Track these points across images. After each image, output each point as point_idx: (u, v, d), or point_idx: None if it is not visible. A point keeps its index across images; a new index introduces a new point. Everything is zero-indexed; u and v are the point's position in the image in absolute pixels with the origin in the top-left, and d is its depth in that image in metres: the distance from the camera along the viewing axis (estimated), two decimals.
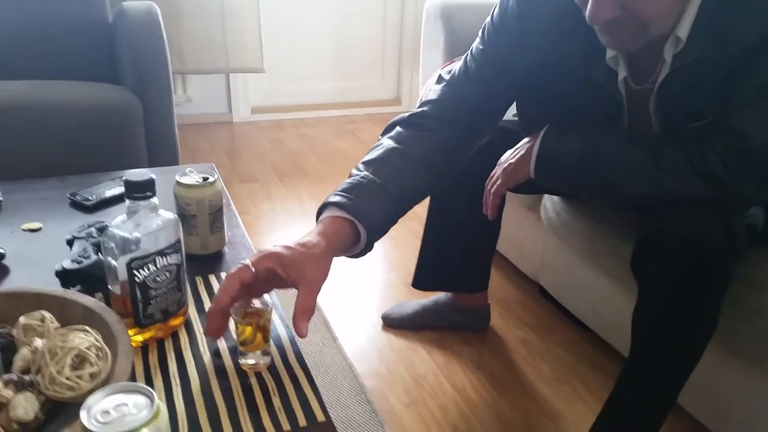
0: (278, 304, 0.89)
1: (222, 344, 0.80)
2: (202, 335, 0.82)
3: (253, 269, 0.76)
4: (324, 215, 0.89)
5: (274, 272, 0.78)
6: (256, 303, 0.79)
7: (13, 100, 1.65)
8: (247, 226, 2.08)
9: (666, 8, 0.84)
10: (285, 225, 2.14)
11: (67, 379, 0.62)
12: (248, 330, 0.75)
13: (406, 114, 1.07)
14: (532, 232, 1.68)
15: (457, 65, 1.12)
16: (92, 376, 0.63)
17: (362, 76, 3.47)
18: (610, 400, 1.10)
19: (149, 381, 0.73)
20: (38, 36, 1.96)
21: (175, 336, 0.81)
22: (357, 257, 0.93)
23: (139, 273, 0.75)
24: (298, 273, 0.78)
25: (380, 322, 1.63)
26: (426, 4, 2.04)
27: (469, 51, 1.11)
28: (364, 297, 1.74)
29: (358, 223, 0.88)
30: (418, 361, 1.49)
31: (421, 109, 1.07)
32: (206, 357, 0.78)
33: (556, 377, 1.45)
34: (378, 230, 0.91)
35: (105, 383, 0.63)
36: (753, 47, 0.84)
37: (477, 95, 1.07)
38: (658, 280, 0.95)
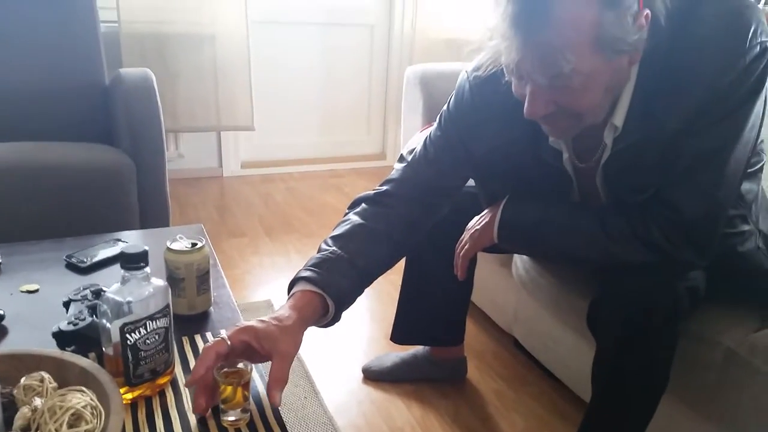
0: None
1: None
2: (187, 394, 0.89)
3: (229, 342, 0.85)
4: (295, 289, 1.00)
5: (249, 345, 0.86)
6: (240, 363, 0.86)
7: (11, 161, 1.73)
8: (235, 281, 2.16)
9: (595, 102, 0.93)
10: (273, 279, 2.22)
11: None
12: (229, 389, 0.82)
13: (371, 192, 1.19)
14: (505, 287, 1.76)
15: (418, 146, 1.23)
16: None
17: (348, 131, 3.60)
18: None
19: None
20: (37, 98, 2.06)
21: (162, 394, 0.88)
22: (326, 327, 1.03)
23: (131, 336, 0.83)
24: (271, 345, 0.87)
25: (360, 374, 1.69)
26: (406, 72, 2.17)
27: (428, 134, 1.22)
28: (345, 349, 1.80)
29: (326, 295, 0.98)
30: (396, 414, 1.55)
31: (383, 188, 1.19)
32: (190, 414, 0.85)
33: (528, 428, 1.51)
34: (345, 301, 1.03)
35: None
36: (679, 130, 0.94)
37: (435, 176, 1.18)
38: (609, 338, 1.05)
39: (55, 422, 0.70)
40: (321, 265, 1.03)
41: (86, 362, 0.82)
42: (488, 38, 0.92)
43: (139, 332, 0.84)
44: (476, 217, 1.23)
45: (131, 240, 1.40)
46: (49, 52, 2.10)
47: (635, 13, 0.86)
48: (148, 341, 0.85)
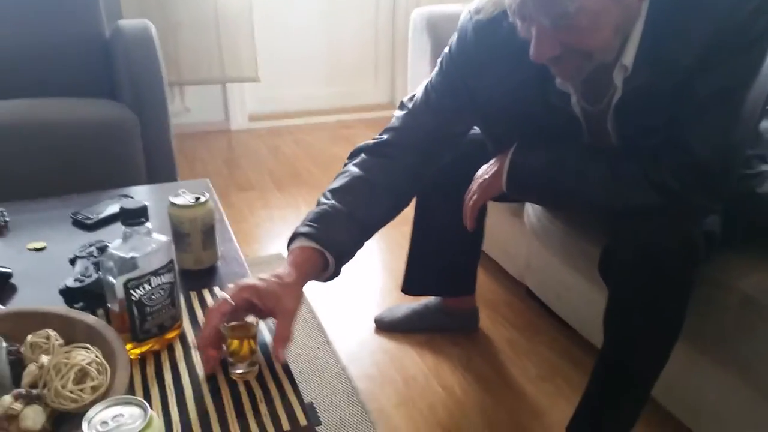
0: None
1: None
2: (196, 348, 0.88)
3: (232, 302, 0.84)
4: (293, 245, 0.98)
5: (252, 303, 0.85)
6: (247, 317, 0.85)
7: (12, 118, 1.71)
8: (244, 235, 2.16)
9: (605, 40, 0.89)
10: (283, 232, 2.21)
11: (71, 392, 0.69)
12: (236, 343, 0.81)
13: (371, 141, 1.15)
14: (517, 236, 1.74)
15: (418, 92, 1.19)
16: (93, 389, 0.70)
17: (356, 81, 3.54)
18: (585, 395, 1.17)
19: (146, 391, 0.80)
20: (36, 54, 2.02)
21: (170, 348, 0.88)
22: (327, 281, 1.02)
23: (135, 292, 0.82)
24: (274, 303, 0.86)
25: (373, 325, 1.69)
26: (412, 15, 2.10)
27: (428, 80, 1.18)
28: (357, 301, 1.80)
29: (325, 251, 0.97)
30: (409, 363, 1.55)
31: (383, 137, 1.15)
32: (199, 368, 0.84)
33: (540, 375, 1.51)
34: (345, 256, 1.01)
35: (105, 396, 0.70)
36: (689, 68, 0.90)
37: (437, 123, 1.14)
38: (622, 285, 1.02)
39: (61, 379, 0.69)
40: (319, 219, 1.01)
41: (92, 319, 0.82)
42: None
43: (144, 288, 0.83)
44: (484, 166, 1.19)
45: (137, 195, 1.38)
46: (45, 5, 2.05)
47: None
48: (153, 297, 0.84)
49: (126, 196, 1.35)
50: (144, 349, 0.86)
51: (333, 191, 1.07)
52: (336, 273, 1.01)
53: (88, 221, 1.23)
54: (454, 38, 1.14)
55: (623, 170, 0.98)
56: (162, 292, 0.85)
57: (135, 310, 0.83)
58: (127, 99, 1.88)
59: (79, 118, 1.78)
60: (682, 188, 0.94)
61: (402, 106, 1.20)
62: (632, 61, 0.93)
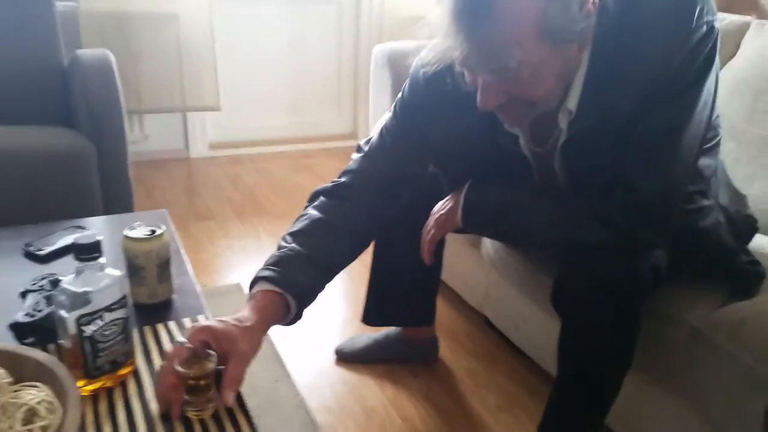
0: None
1: None
2: (150, 383, 0.87)
3: (189, 345, 0.83)
4: (255, 289, 0.99)
5: (208, 344, 0.85)
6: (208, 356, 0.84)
7: None
8: (203, 265, 2.13)
9: (547, 90, 0.93)
10: (242, 263, 2.19)
11: None
12: (192, 381, 0.80)
13: (329, 184, 1.17)
14: (476, 267, 1.76)
15: (374, 136, 1.22)
16: (43, 429, 0.68)
17: (318, 111, 3.56)
18: (542, 423, 1.18)
19: (99, 429, 0.78)
20: None
21: (123, 385, 0.86)
22: (289, 325, 1.03)
23: (88, 328, 0.81)
24: (229, 345, 0.86)
25: (333, 356, 1.69)
26: (374, 51, 2.14)
27: (383, 123, 1.21)
28: (318, 331, 1.80)
29: (286, 294, 0.98)
30: (369, 394, 1.55)
31: (341, 180, 1.17)
32: (153, 405, 0.83)
33: (498, 406, 1.53)
34: (306, 299, 1.02)
35: None
36: (629, 113, 0.95)
37: (392, 165, 1.17)
38: (573, 316, 1.06)
39: (8, 419, 0.68)
40: (280, 263, 1.02)
41: (42, 356, 0.79)
42: (430, 36, 0.90)
43: (96, 324, 0.82)
44: (441, 202, 1.22)
45: (93, 226, 1.36)
46: (2, 34, 2.02)
47: (581, 0, 0.85)
48: (105, 332, 0.83)
49: (80, 227, 1.33)
50: (97, 386, 0.84)
51: (293, 234, 1.08)
52: (298, 316, 1.02)
53: (41, 252, 1.20)
54: (406, 84, 1.18)
55: (572, 207, 1.01)
56: (115, 327, 0.84)
57: (87, 346, 0.82)
58: (84, 128, 1.86)
59: (34, 147, 1.75)
60: (628, 224, 0.97)
61: (359, 149, 1.22)
62: (576, 105, 0.97)
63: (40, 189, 1.72)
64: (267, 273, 1.00)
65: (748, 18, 1.70)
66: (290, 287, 0.99)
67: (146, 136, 3.09)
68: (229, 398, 0.82)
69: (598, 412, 1.12)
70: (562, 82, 0.95)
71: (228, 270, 2.14)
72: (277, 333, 1.74)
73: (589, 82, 0.95)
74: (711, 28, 0.91)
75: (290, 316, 1.01)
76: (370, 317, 1.63)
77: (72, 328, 0.81)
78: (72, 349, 0.82)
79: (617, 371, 1.08)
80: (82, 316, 0.80)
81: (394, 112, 1.19)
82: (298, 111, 3.50)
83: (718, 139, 1.12)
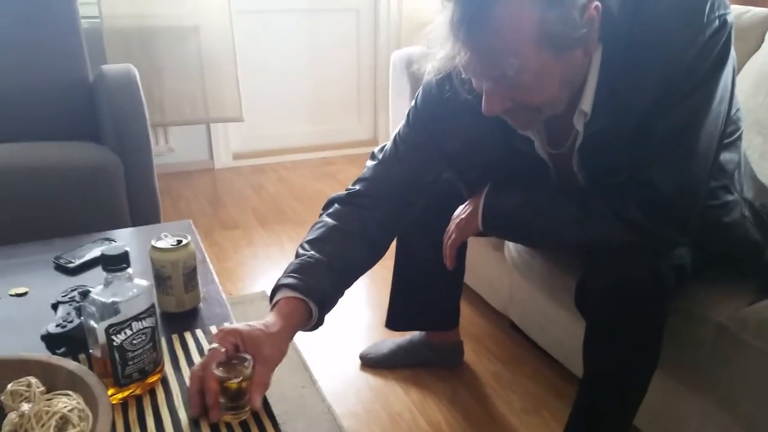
0: None
1: None
2: (178, 391, 0.89)
3: (222, 349, 0.85)
4: (278, 297, 1.00)
5: (237, 347, 0.87)
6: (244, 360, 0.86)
7: None
8: (229, 273, 2.16)
9: (551, 96, 0.93)
10: (267, 270, 2.22)
11: None
12: (231, 385, 0.82)
13: (343, 193, 1.18)
14: (500, 270, 1.76)
15: (388, 143, 1.23)
16: None
17: (339, 118, 3.58)
18: (568, 426, 1.18)
19: None
20: (19, 98, 2.04)
21: (152, 393, 0.88)
22: (311, 330, 1.04)
23: (117, 337, 0.83)
24: (256, 349, 0.88)
25: (358, 362, 1.69)
26: (392, 56, 2.15)
27: (397, 131, 1.22)
28: (342, 338, 1.81)
29: (309, 301, 0.99)
30: (395, 399, 1.55)
31: (356, 188, 1.18)
32: (181, 412, 0.85)
33: (525, 409, 1.52)
34: (328, 304, 1.04)
35: None
36: (647, 110, 0.94)
37: (407, 174, 1.18)
38: (596, 318, 1.05)
39: (41, 427, 0.69)
40: (301, 270, 1.03)
41: (74, 365, 0.82)
42: (433, 45, 0.92)
43: (125, 333, 0.83)
44: (461, 207, 1.22)
45: (120, 238, 1.39)
46: (29, 51, 2.08)
47: (582, 7, 0.86)
48: (134, 341, 0.85)
49: (108, 239, 1.36)
50: (126, 394, 0.86)
51: (310, 242, 1.10)
52: (320, 322, 1.04)
53: (71, 265, 1.23)
54: (419, 92, 1.19)
55: (592, 208, 1.01)
56: (143, 336, 0.86)
57: (116, 355, 0.84)
58: (110, 142, 1.90)
59: (62, 162, 1.79)
60: (649, 223, 0.97)
61: (373, 156, 1.23)
62: (591, 106, 0.97)
63: (68, 203, 1.76)
64: (289, 280, 1.01)
65: None
66: (312, 294, 1.00)
67: (171, 149, 3.14)
68: (257, 402, 0.84)
69: (625, 414, 1.11)
70: (568, 88, 0.95)
71: (253, 278, 2.17)
72: (302, 340, 1.76)
73: (603, 82, 0.95)
74: (724, 22, 0.90)
75: (312, 322, 1.02)
76: (393, 322, 1.63)
77: (101, 338, 0.83)
78: (102, 358, 0.84)
79: (643, 372, 1.07)
80: (111, 325, 0.82)
81: (407, 121, 1.20)
82: (319, 119, 3.53)
83: (739, 133, 1.11)
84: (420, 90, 1.18)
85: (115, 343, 0.83)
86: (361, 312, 1.95)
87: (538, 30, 0.85)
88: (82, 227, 1.47)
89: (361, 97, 3.60)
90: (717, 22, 0.90)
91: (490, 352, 1.74)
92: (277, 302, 1.00)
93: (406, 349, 1.68)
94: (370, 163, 1.22)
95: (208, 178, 3.15)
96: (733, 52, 0.95)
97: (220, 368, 0.83)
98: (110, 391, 0.85)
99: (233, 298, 1.97)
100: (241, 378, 0.83)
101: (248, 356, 0.85)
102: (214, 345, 0.86)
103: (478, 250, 1.77)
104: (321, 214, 1.17)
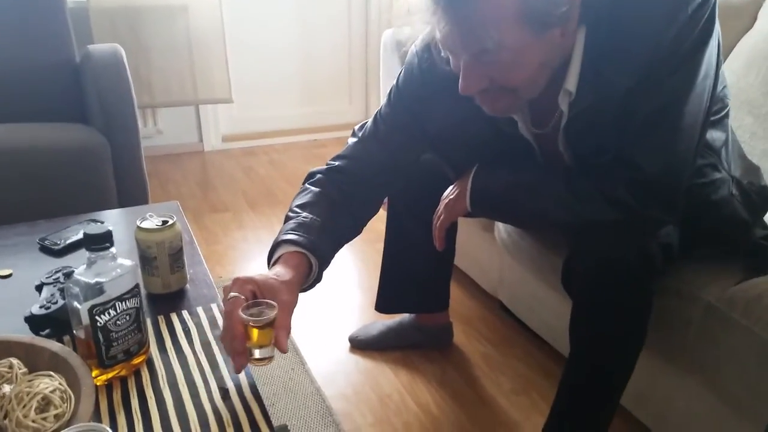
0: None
1: (181, 379, 0.86)
2: (164, 372, 0.88)
3: (242, 296, 0.87)
4: (280, 252, 1.01)
5: (255, 295, 0.89)
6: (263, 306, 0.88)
7: None
8: (218, 257, 2.15)
9: (529, 78, 0.93)
10: (257, 253, 2.20)
11: (33, 421, 0.68)
12: (256, 331, 0.85)
13: (323, 167, 1.19)
14: (490, 251, 1.76)
15: (369, 122, 1.22)
16: (57, 417, 0.70)
17: (330, 100, 3.55)
18: (555, 404, 1.18)
19: (113, 417, 0.80)
20: (6, 79, 2.01)
21: (137, 374, 0.88)
22: (309, 289, 1.04)
23: (101, 318, 0.82)
24: (273, 296, 0.90)
25: (348, 344, 1.69)
26: (383, 36, 2.13)
27: (378, 110, 1.21)
28: (332, 320, 1.80)
29: (311, 255, 1.00)
30: (384, 381, 1.55)
31: (336, 164, 1.19)
32: (166, 392, 0.84)
33: (514, 389, 1.52)
34: (325, 262, 1.05)
35: (69, 424, 0.69)
36: (631, 89, 0.94)
37: (387, 156, 1.18)
38: (583, 297, 1.05)
39: (23, 408, 0.69)
40: (299, 228, 1.04)
41: (57, 346, 0.81)
42: (415, 15, 0.91)
43: (109, 314, 0.83)
44: (450, 188, 1.22)
45: (107, 219, 1.38)
46: (14, 32, 2.04)
47: None
48: (118, 322, 0.84)
49: (95, 220, 1.34)
50: (110, 375, 0.85)
51: (301, 206, 1.10)
52: (318, 279, 1.05)
53: (56, 247, 1.22)
54: (401, 72, 1.18)
55: (579, 187, 1.01)
56: (128, 317, 0.85)
57: (100, 336, 0.83)
58: (97, 123, 1.88)
59: (48, 143, 1.77)
60: (636, 202, 0.96)
61: (354, 133, 1.23)
62: (575, 86, 0.96)
63: (55, 184, 1.74)
64: (290, 236, 1.02)
65: None
66: (314, 250, 1.01)
67: (160, 131, 3.11)
68: (285, 344, 0.86)
69: (611, 393, 1.11)
70: (547, 70, 0.95)
71: (243, 261, 2.16)
72: (293, 323, 1.75)
73: (587, 62, 0.95)
74: None
75: (312, 278, 1.03)
76: (383, 305, 1.63)
77: (85, 319, 0.82)
78: (85, 339, 0.83)
79: (629, 351, 1.07)
80: (95, 306, 0.81)
81: (389, 100, 1.20)
82: (310, 101, 3.50)
83: (726, 110, 1.11)
84: (402, 70, 1.17)
85: (98, 324, 0.82)
86: (351, 294, 1.95)
87: (520, 6, 0.85)
88: (69, 209, 1.45)
89: (353, 78, 3.57)
90: None
91: (480, 333, 1.75)
92: (280, 257, 1.00)
93: (395, 331, 1.68)
94: (351, 140, 1.22)
95: (197, 160, 3.13)
96: (717, 28, 0.95)
97: (249, 317, 0.85)
98: (94, 373, 0.84)
99: (223, 281, 1.96)
100: (270, 318, 0.85)
101: (271, 301, 0.87)
102: (234, 294, 0.87)
103: (468, 231, 1.77)
104: (304, 184, 1.17)
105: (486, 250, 1.78)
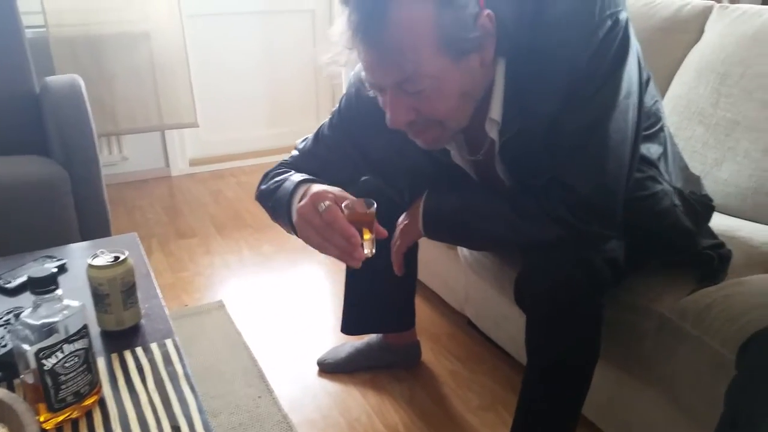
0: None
1: (133, 418, 0.86)
2: (116, 412, 0.87)
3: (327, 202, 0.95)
4: (302, 188, 1.08)
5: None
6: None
7: None
8: (185, 284, 2.13)
9: (453, 108, 0.96)
10: (224, 279, 2.19)
11: None
12: (364, 228, 0.95)
13: (274, 168, 1.23)
14: (455, 269, 1.77)
15: (309, 138, 1.26)
16: None
17: (297, 121, 3.55)
18: (516, 418, 1.19)
19: None
20: None
21: (89, 415, 0.86)
22: None
23: (47, 361, 0.81)
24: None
25: (316, 368, 1.69)
26: None
27: (319, 130, 1.24)
28: (300, 344, 1.80)
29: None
30: (353, 404, 1.55)
31: (281, 170, 1.22)
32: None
33: (482, 405, 1.53)
34: None
35: None
36: (555, 113, 0.97)
37: (324, 172, 1.19)
38: (535, 313, 1.07)
39: None
40: (306, 176, 1.12)
41: (2, 392, 0.80)
42: (338, 48, 0.94)
43: (56, 356, 0.82)
44: (405, 213, 1.23)
45: (65, 255, 1.36)
46: None
47: (475, 14, 0.89)
48: (66, 364, 0.83)
49: (51, 257, 1.32)
50: (61, 418, 0.84)
51: (284, 172, 1.18)
52: None
53: (9, 285, 1.20)
54: (343, 98, 1.21)
55: (522, 207, 1.03)
56: (76, 358, 0.84)
57: (48, 380, 0.82)
58: (57, 155, 1.86)
59: (5, 177, 1.74)
60: (576, 220, 0.99)
61: (296, 148, 1.26)
62: (500, 114, 0.99)
63: (13, 219, 1.72)
64: (303, 177, 1.10)
65: (710, 2, 1.71)
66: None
67: (125, 157, 3.08)
68: (385, 232, 1.00)
69: (569, 405, 1.12)
70: (470, 101, 0.98)
71: (210, 288, 2.14)
72: (260, 348, 1.75)
73: (509, 91, 0.98)
74: (616, 21, 0.93)
75: None
76: (348, 327, 1.63)
77: (32, 363, 0.81)
78: (34, 383, 0.82)
79: (584, 364, 1.09)
80: (41, 350, 0.80)
81: (331, 122, 1.22)
82: (277, 122, 3.50)
83: (660, 124, 1.14)
84: (344, 96, 1.19)
85: (45, 368, 0.81)
86: (317, 317, 1.94)
87: (434, 31, 0.87)
88: (29, 244, 1.43)
89: (319, 98, 3.58)
90: (609, 21, 0.93)
91: (448, 350, 1.75)
92: (307, 189, 1.05)
93: (363, 352, 1.68)
94: (293, 152, 1.26)
95: (164, 185, 3.11)
96: (636, 46, 0.99)
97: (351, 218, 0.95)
98: (44, 416, 0.83)
99: (190, 309, 1.95)
100: (374, 211, 0.96)
101: (361, 199, 0.96)
102: (326, 203, 0.94)
103: (432, 249, 1.78)
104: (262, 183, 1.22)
105: (451, 268, 1.79)
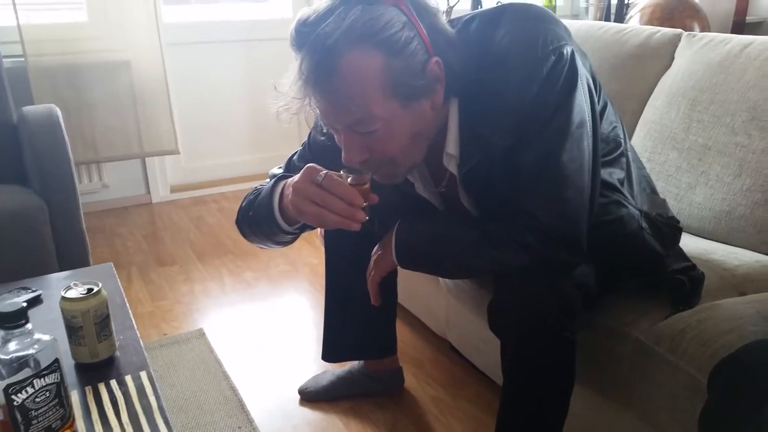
0: None
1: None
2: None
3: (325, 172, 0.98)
4: (281, 183, 1.11)
5: None
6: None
7: None
8: (164, 313, 2.11)
9: (404, 147, 1.00)
10: (204, 307, 2.17)
11: None
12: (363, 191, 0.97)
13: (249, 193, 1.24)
14: (436, 294, 1.77)
15: (282, 166, 1.27)
16: None
17: (279, 146, 3.55)
18: None
19: None
20: None
21: None
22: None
23: (17, 396, 0.80)
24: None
25: (297, 397, 1.67)
26: None
27: (291, 157, 1.27)
28: (281, 372, 1.78)
29: None
30: None
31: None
32: None
33: None
34: None
35: None
36: (509, 147, 0.99)
37: None
38: (507, 338, 1.08)
39: None
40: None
41: None
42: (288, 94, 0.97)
43: (26, 391, 0.81)
44: (378, 244, 1.24)
45: (41, 286, 1.34)
46: None
47: (423, 61, 0.93)
48: (37, 399, 0.82)
49: (26, 288, 1.31)
50: None
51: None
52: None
53: None
54: (311, 130, 1.23)
55: (493, 234, 1.04)
56: (47, 393, 0.83)
57: (18, 416, 0.81)
58: (35, 185, 1.85)
59: None
60: (543, 247, 1.00)
61: (270, 176, 1.26)
62: (457, 149, 1.02)
63: None
64: (282, 174, 1.14)
65: (678, 31, 1.75)
66: None
67: (106, 185, 3.07)
68: (376, 198, 1.03)
69: (546, 430, 1.12)
70: (422, 141, 1.01)
71: (190, 316, 2.12)
72: (240, 378, 1.73)
73: (464, 125, 1.01)
74: (560, 55, 0.96)
75: None
76: (329, 354, 1.62)
77: (1, 398, 0.79)
78: (4, 419, 0.81)
79: (559, 389, 1.09)
80: (10, 385, 0.79)
81: (302, 154, 1.25)
82: (258, 147, 3.50)
83: (620, 150, 1.17)
84: (312, 129, 1.22)
85: (15, 403, 0.80)
86: (299, 345, 1.93)
87: (384, 79, 0.91)
88: (6, 274, 1.42)
89: (301, 122, 3.57)
90: (553, 56, 0.95)
91: (431, 376, 1.74)
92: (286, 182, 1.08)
93: (345, 380, 1.67)
94: (266, 181, 1.25)
95: (145, 213, 3.09)
96: (585, 77, 1.01)
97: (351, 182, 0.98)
98: None
99: (169, 338, 1.93)
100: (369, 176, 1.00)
101: (353, 167, 1.00)
102: (321, 174, 0.97)
103: (414, 275, 1.77)
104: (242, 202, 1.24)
105: (432, 293, 1.79)
